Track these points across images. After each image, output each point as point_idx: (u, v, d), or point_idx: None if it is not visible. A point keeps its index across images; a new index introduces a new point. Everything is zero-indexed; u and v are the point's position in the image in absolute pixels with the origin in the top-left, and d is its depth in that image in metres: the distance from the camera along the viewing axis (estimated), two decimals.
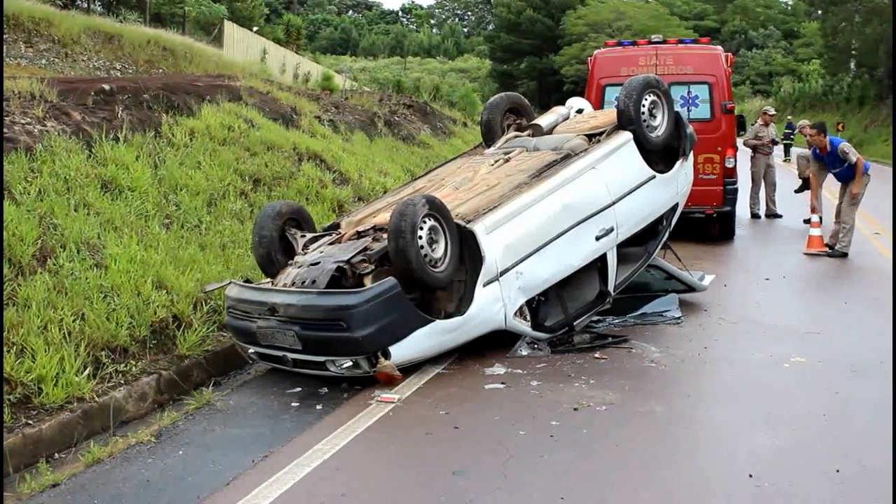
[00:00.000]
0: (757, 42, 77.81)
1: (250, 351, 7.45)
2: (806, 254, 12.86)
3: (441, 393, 6.71)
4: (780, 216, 16.88)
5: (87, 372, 6.56)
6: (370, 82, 53.89)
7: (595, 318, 8.62)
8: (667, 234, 9.31)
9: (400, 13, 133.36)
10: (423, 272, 6.99)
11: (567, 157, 8.38)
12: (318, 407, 6.55)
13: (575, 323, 8.26)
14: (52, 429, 5.96)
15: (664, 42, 13.99)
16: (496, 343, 7.75)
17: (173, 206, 9.74)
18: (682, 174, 9.26)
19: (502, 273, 7.51)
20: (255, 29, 47.56)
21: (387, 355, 6.85)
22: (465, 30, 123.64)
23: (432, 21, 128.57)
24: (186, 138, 11.34)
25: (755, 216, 17.15)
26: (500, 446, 5.63)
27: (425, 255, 7.05)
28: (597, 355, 7.65)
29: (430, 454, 5.62)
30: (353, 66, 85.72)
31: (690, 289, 9.63)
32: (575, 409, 6.27)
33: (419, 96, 27.05)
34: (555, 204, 7.93)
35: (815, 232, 13.17)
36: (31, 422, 5.93)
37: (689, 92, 13.50)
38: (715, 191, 13.48)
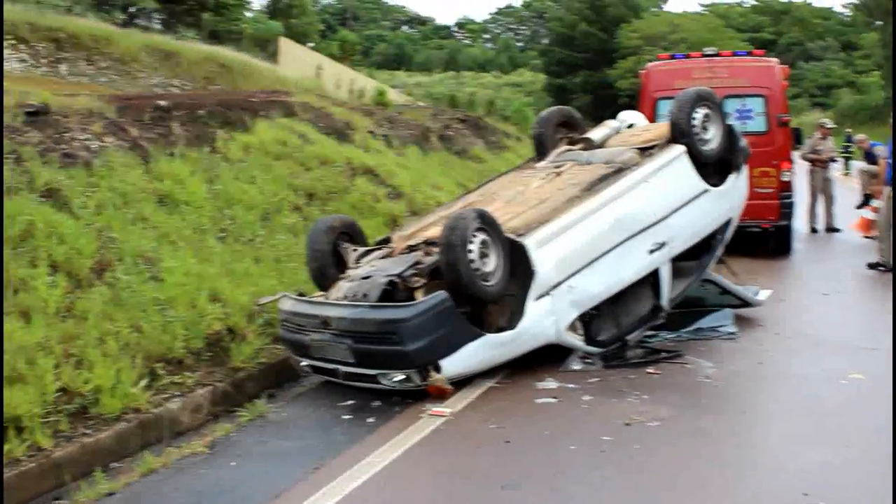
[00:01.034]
0: (814, 54, 76.93)
1: (303, 364, 7.51)
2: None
3: (492, 407, 6.71)
4: (839, 230, 16.59)
5: (143, 383, 6.64)
6: (424, 97, 54.21)
7: (648, 332, 8.54)
8: (721, 249, 9.20)
9: (454, 28, 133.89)
10: (474, 286, 7.00)
11: (619, 171, 8.34)
12: (370, 420, 6.58)
13: (628, 337, 8.19)
14: (108, 438, 6.05)
15: (718, 55, 13.87)
16: (548, 357, 7.71)
17: (228, 220, 9.87)
18: (736, 188, 9.16)
19: (554, 287, 7.49)
20: (310, 45, 48.07)
21: (438, 369, 6.87)
22: (520, 44, 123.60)
23: (486, 35, 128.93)
24: (241, 153, 11.49)
25: (814, 230, 16.91)
26: (549, 460, 5.61)
27: (476, 269, 7.06)
28: (650, 370, 7.59)
29: (479, 468, 5.60)
30: (408, 81, 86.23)
31: (746, 304, 9.51)
32: (626, 425, 6.22)
33: (473, 111, 27.13)
34: (607, 218, 7.89)
35: (870, 215, 12.90)
36: (88, 431, 6.02)
37: (743, 105, 13.35)
38: (771, 205, 13.31)
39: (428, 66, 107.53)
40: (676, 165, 8.51)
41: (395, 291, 7.15)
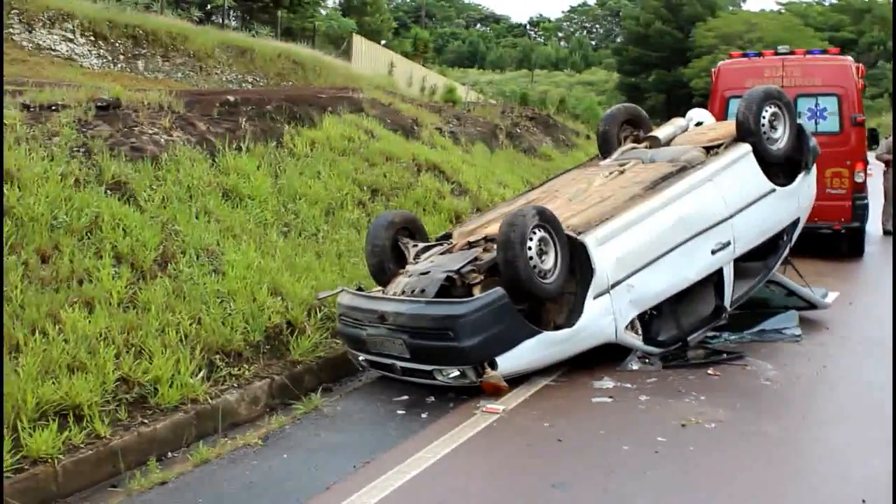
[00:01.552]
0: None
1: (361, 358, 7.53)
2: None
3: (547, 405, 6.65)
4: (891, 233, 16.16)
5: (201, 374, 6.71)
6: (497, 95, 54.13)
7: (710, 333, 8.41)
8: (787, 250, 9.03)
9: (528, 26, 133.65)
10: (532, 283, 6.95)
11: (683, 170, 8.22)
12: (423, 415, 6.57)
13: (689, 338, 8.06)
14: (165, 428, 6.11)
15: (791, 53, 13.61)
16: (607, 357, 7.63)
17: (292, 215, 9.94)
18: (805, 188, 8.97)
19: (613, 286, 7.41)
20: (383, 42, 48.31)
21: (493, 365, 6.83)
22: (593, 42, 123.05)
23: (560, 34, 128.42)
24: (307, 148, 11.57)
25: (887, 233, 16.47)
26: (602, 460, 5.55)
27: (534, 267, 7.01)
28: (709, 371, 7.46)
29: (530, 466, 5.56)
30: (481, 78, 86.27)
31: (812, 306, 9.31)
32: (682, 426, 6.12)
33: (544, 109, 27.04)
34: (669, 216, 7.79)
35: None
36: (146, 421, 6.09)
37: (816, 104, 13.09)
38: (843, 206, 13.02)
39: (501, 65, 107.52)
40: (742, 164, 8.37)
41: (452, 287, 7.14)
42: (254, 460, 5.77)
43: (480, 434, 6.07)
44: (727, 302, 8.34)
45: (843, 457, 5.69)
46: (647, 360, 7.65)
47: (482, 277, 7.17)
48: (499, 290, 6.86)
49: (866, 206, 13.34)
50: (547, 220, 7.18)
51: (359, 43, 38.97)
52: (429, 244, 8.19)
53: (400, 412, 6.70)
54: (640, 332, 7.78)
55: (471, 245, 7.74)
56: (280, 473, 5.56)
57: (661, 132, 9.47)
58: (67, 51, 21.91)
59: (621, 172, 8.58)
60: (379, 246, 7.94)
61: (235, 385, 6.94)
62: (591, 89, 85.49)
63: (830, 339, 8.61)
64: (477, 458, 5.75)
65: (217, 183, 9.62)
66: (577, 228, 7.45)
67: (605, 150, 9.57)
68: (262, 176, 10.22)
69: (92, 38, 22.66)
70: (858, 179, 13.02)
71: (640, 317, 7.79)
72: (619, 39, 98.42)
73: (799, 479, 5.39)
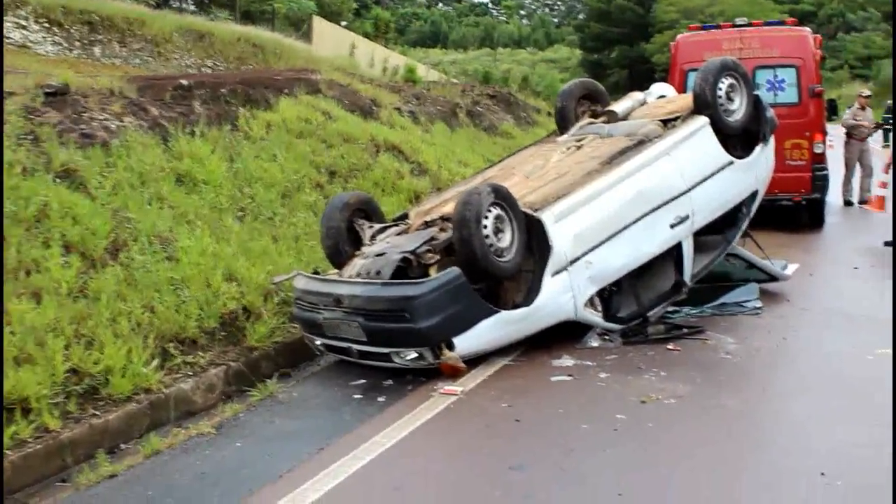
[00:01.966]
0: (856, 25, 75.33)
1: (317, 342, 7.42)
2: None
3: (505, 385, 6.57)
4: (851, 204, 16.20)
5: (154, 363, 6.57)
6: (460, 74, 53.86)
7: (671, 308, 8.37)
8: (747, 222, 8.99)
9: (489, 4, 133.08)
10: (488, 262, 6.86)
11: (640, 143, 8.15)
12: (381, 399, 6.47)
13: (649, 314, 8.02)
14: (118, 419, 5.98)
15: (749, 25, 13.58)
16: (566, 334, 7.57)
17: (247, 199, 9.78)
18: (763, 159, 8.93)
19: (572, 262, 7.33)
20: (343, 24, 47.86)
21: (451, 347, 6.74)
22: (556, 20, 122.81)
23: (522, 12, 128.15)
24: (263, 131, 11.39)
25: (848, 203, 16.55)
26: (561, 440, 5.48)
27: (490, 245, 6.92)
28: (670, 347, 7.42)
29: (488, 447, 5.49)
30: (444, 58, 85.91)
31: (772, 278, 9.30)
32: (642, 403, 6.06)
33: (506, 87, 26.86)
34: (627, 191, 7.72)
35: (881, 192, 12.69)
36: (97, 412, 5.95)
37: (775, 75, 13.09)
38: (803, 177, 13.04)
39: (464, 44, 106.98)
40: (699, 137, 8.31)
41: (409, 268, 7.04)
42: (206, 449, 5.65)
43: (438, 416, 5.98)
44: (687, 276, 8.29)
45: (803, 429, 5.67)
46: (606, 337, 7.60)
47: (438, 257, 7.08)
48: (455, 270, 6.77)
49: (826, 178, 13.35)
50: (502, 197, 7.09)
51: (319, 25, 38.54)
52: (385, 225, 8.08)
53: (357, 396, 6.59)
54: (599, 308, 7.72)
55: (427, 225, 7.64)
56: (233, 462, 5.44)
57: (619, 106, 9.39)
58: (21, 38, 21.47)
59: (578, 148, 8.50)
60: (334, 228, 7.82)
61: (190, 373, 6.82)
62: (555, 67, 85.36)
63: (790, 310, 8.60)
64: (434, 440, 5.66)
65: (170, 168, 9.44)
66: (533, 205, 7.36)
67: (563, 125, 9.48)
68: (217, 160, 10.03)
69: (46, 25, 22.23)
70: (818, 150, 13.03)
71: (600, 293, 7.73)
72: (581, 16, 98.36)
73: (759, 452, 5.34)
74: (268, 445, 5.68)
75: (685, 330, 7.84)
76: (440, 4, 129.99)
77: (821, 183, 13.16)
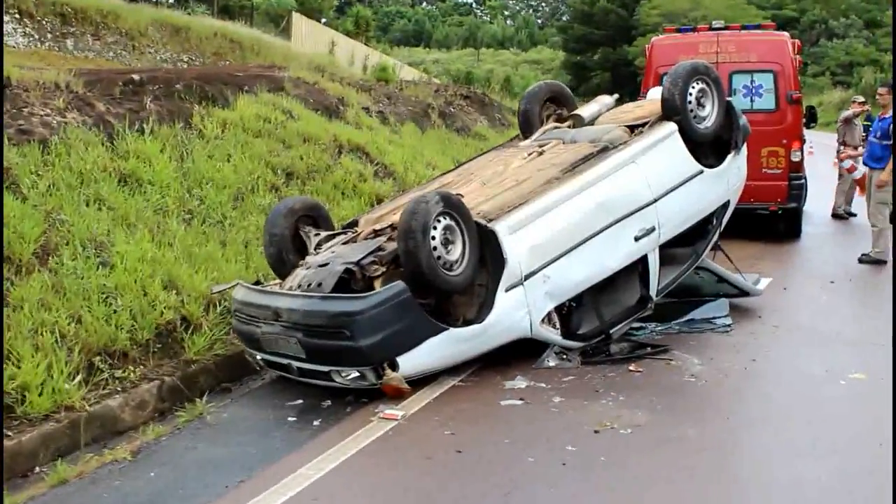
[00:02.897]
0: (838, 32, 75.10)
1: (258, 357, 6.94)
2: None
3: (451, 409, 6.09)
4: (855, 214, 15.72)
5: (78, 379, 6.09)
6: (442, 74, 53.43)
7: (636, 324, 7.94)
8: (717, 235, 8.56)
9: (473, 4, 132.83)
10: (436, 276, 6.39)
11: (604, 150, 7.70)
12: (315, 423, 5.99)
13: (612, 331, 7.58)
14: (32, 441, 5.54)
15: (726, 28, 13.17)
16: (525, 351, 7.12)
17: (196, 201, 9.30)
18: (734, 168, 8.48)
19: (527, 277, 6.86)
20: (324, 21, 47.39)
21: (394, 366, 6.28)
22: (539, 21, 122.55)
23: (506, 12, 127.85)
24: (218, 130, 10.90)
25: (836, 216, 15.89)
26: (504, 475, 5.00)
27: (439, 258, 6.45)
28: (631, 368, 6.96)
29: (422, 483, 5.01)
30: (427, 57, 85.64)
31: (744, 293, 8.87)
32: (596, 432, 5.60)
33: (488, 88, 26.34)
34: (588, 201, 7.26)
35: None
36: (10, 433, 5.46)
37: (752, 81, 12.67)
38: (779, 186, 12.61)
39: (447, 44, 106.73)
40: (667, 144, 7.86)
41: (352, 281, 6.56)
42: (117, 479, 5.16)
43: (373, 445, 5.49)
44: (653, 291, 7.86)
45: (768, 462, 5.22)
46: (565, 356, 7.13)
47: (384, 270, 6.59)
48: (399, 284, 6.30)
49: (803, 186, 12.94)
50: (453, 206, 6.62)
51: (299, 21, 38.06)
52: (332, 233, 7.61)
53: (291, 419, 6.11)
54: (557, 325, 7.26)
55: (376, 234, 7.17)
56: (142, 496, 4.94)
57: (586, 110, 8.94)
58: None
59: (540, 154, 8.04)
60: (277, 235, 7.35)
61: (119, 389, 6.35)
62: (538, 68, 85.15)
63: (761, 328, 8.17)
64: (364, 474, 5.16)
65: (113, 168, 8.93)
66: (487, 215, 6.89)
67: (527, 129, 9.04)
68: (166, 160, 9.54)
69: (17, 16, 21.74)
70: (795, 158, 12.62)
71: (559, 309, 7.27)
72: (564, 18, 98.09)
73: (718, 489, 4.90)
74: (184, 476, 5.19)
75: (649, 349, 7.40)
76: (424, 3, 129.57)
77: (797, 192, 12.74)
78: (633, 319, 7.81)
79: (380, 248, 6.77)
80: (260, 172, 10.42)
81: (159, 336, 7.02)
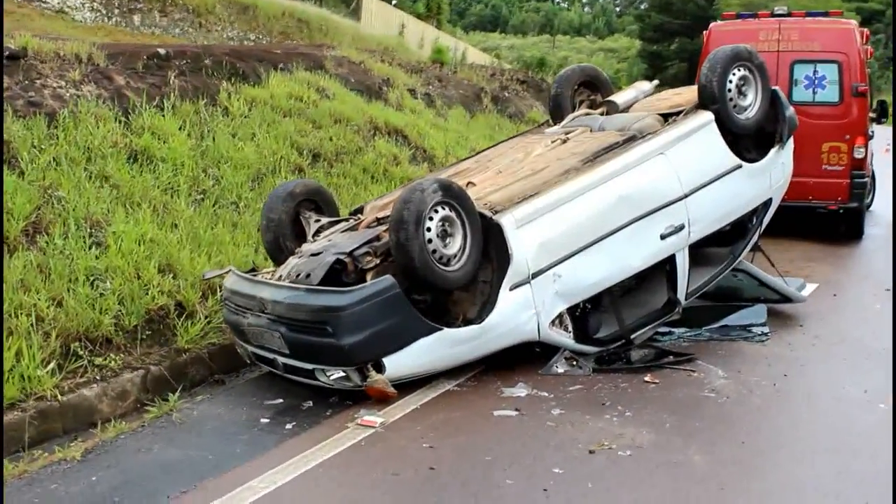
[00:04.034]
0: None
1: (249, 349, 6.48)
2: None
3: (437, 418, 5.54)
4: None
5: (51, 365, 5.70)
6: (516, 60, 52.70)
7: (662, 329, 7.32)
8: (757, 235, 7.88)
9: None
10: (429, 271, 5.85)
11: (631, 140, 7.08)
12: (288, 427, 5.49)
13: (633, 336, 6.97)
14: None
15: (789, 15, 12.35)
16: (538, 354, 6.59)
17: (212, 181, 8.90)
18: (779, 164, 7.77)
19: (535, 275, 6.29)
20: (394, 2, 46.97)
21: (380, 368, 5.77)
22: (617, 9, 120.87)
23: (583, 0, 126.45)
24: (245, 108, 10.49)
25: None
26: (472, 499, 4.46)
27: (434, 251, 5.92)
28: (646, 378, 6.34)
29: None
30: (502, 43, 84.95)
31: (786, 299, 8.18)
32: (591, 452, 5.02)
33: (550, 74, 25.66)
34: (608, 194, 6.65)
35: None
36: None
37: (815, 71, 11.86)
38: (840, 184, 11.80)
39: (523, 30, 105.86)
40: (702, 135, 7.21)
41: (344, 273, 6.06)
42: (56, 482, 4.72)
43: (339, 457, 4.97)
44: (681, 294, 7.22)
45: (779, 499, 4.59)
46: (575, 363, 6.54)
47: (378, 262, 6.07)
48: (388, 279, 5.78)
49: (865, 185, 12.12)
50: (453, 196, 6.06)
51: (369, 2, 37.63)
52: (334, 220, 7.10)
53: (264, 420, 5.62)
54: (570, 328, 6.65)
55: (379, 222, 6.65)
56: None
57: (620, 97, 8.31)
58: (59, 3, 20.88)
59: (564, 142, 7.44)
60: (274, 220, 6.89)
61: (98, 378, 5.95)
62: (614, 56, 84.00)
63: (801, 338, 7.47)
64: (322, 490, 4.62)
65: (125, 144, 8.56)
66: (494, 206, 6.32)
67: (557, 115, 8.45)
68: (184, 137, 9.16)
69: None
70: (858, 155, 11.79)
71: (572, 310, 6.68)
72: (642, 6, 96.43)
73: None
74: (126, 482, 4.70)
75: (671, 357, 6.77)
76: None
77: (860, 191, 11.90)
78: (658, 324, 7.20)
79: (377, 238, 6.25)
80: (284, 153, 9.99)
81: (150, 322, 6.64)
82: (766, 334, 7.43)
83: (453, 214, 6.05)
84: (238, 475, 4.73)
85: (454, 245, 6.06)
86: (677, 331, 7.39)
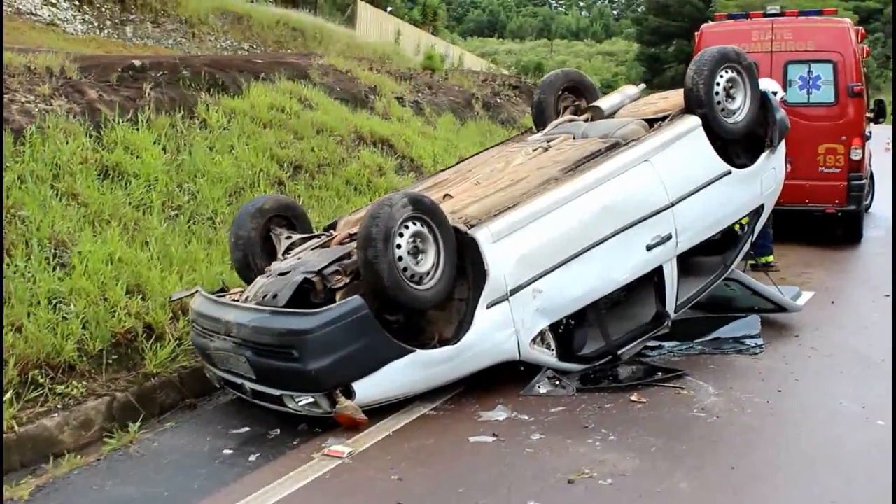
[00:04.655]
0: None
1: (217, 374, 6.19)
2: None
3: (409, 446, 5.24)
4: None
5: (8, 395, 5.41)
6: (513, 65, 52.54)
7: (652, 343, 7.02)
8: (748, 243, 7.59)
9: None
10: (400, 290, 5.55)
11: (614, 147, 6.79)
12: (252, 458, 5.18)
13: (620, 352, 6.67)
14: None
15: (782, 14, 12.06)
16: (520, 373, 6.30)
17: (187, 196, 8.63)
18: (769, 169, 7.47)
19: (513, 291, 5.99)
20: (389, 10, 46.78)
21: (349, 394, 5.47)
22: (615, 12, 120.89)
23: (581, 3, 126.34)
24: (224, 120, 10.20)
25: None
26: None
27: (405, 269, 5.62)
28: (633, 398, 6.04)
29: None
30: (500, 48, 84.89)
31: (781, 308, 7.88)
32: (570, 482, 4.71)
33: (530, 77, 25.41)
34: (591, 204, 6.35)
35: None
36: None
37: (809, 72, 11.56)
38: (837, 186, 11.49)
39: (521, 34, 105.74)
40: (688, 141, 6.92)
41: (312, 293, 5.76)
42: None
43: (301, 492, 4.67)
44: (670, 307, 6.93)
45: None
46: (559, 382, 6.23)
47: (347, 280, 5.77)
48: (356, 300, 5.49)
49: (863, 187, 11.79)
50: (424, 210, 5.76)
51: (364, 10, 37.44)
52: (306, 236, 6.81)
53: (227, 451, 5.32)
54: (553, 346, 6.35)
55: (352, 238, 6.34)
56: None
57: (605, 102, 8.02)
58: (49, 15, 20.77)
59: (545, 150, 7.15)
60: (243, 238, 6.60)
61: (59, 406, 5.66)
62: (612, 60, 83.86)
63: (796, 350, 7.17)
64: None
65: (95, 159, 8.28)
66: (470, 220, 6.03)
67: (540, 122, 8.17)
68: (158, 151, 8.87)
69: (76, 3, 21.54)
70: (855, 157, 11.49)
71: (555, 327, 6.38)
72: (640, 9, 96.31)
73: None
74: None
75: (660, 374, 6.47)
76: None
77: (857, 194, 11.58)
78: (647, 338, 6.90)
79: (348, 256, 5.96)
80: (263, 165, 9.71)
81: (116, 346, 6.36)
82: (759, 346, 7.14)
83: (425, 230, 5.76)
84: None
85: (426, 262, 5.76)
86: (667, 345, 7.09)
